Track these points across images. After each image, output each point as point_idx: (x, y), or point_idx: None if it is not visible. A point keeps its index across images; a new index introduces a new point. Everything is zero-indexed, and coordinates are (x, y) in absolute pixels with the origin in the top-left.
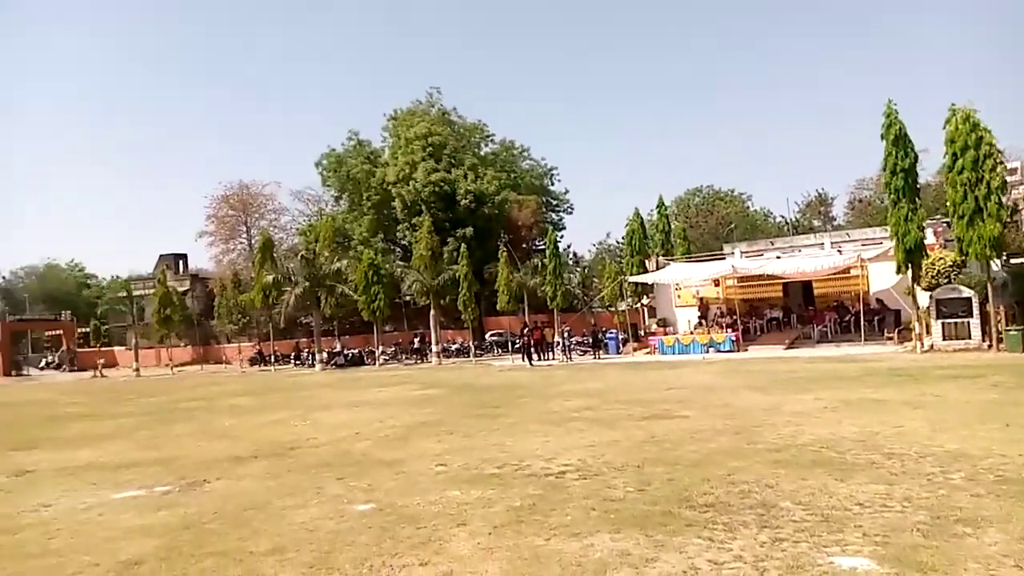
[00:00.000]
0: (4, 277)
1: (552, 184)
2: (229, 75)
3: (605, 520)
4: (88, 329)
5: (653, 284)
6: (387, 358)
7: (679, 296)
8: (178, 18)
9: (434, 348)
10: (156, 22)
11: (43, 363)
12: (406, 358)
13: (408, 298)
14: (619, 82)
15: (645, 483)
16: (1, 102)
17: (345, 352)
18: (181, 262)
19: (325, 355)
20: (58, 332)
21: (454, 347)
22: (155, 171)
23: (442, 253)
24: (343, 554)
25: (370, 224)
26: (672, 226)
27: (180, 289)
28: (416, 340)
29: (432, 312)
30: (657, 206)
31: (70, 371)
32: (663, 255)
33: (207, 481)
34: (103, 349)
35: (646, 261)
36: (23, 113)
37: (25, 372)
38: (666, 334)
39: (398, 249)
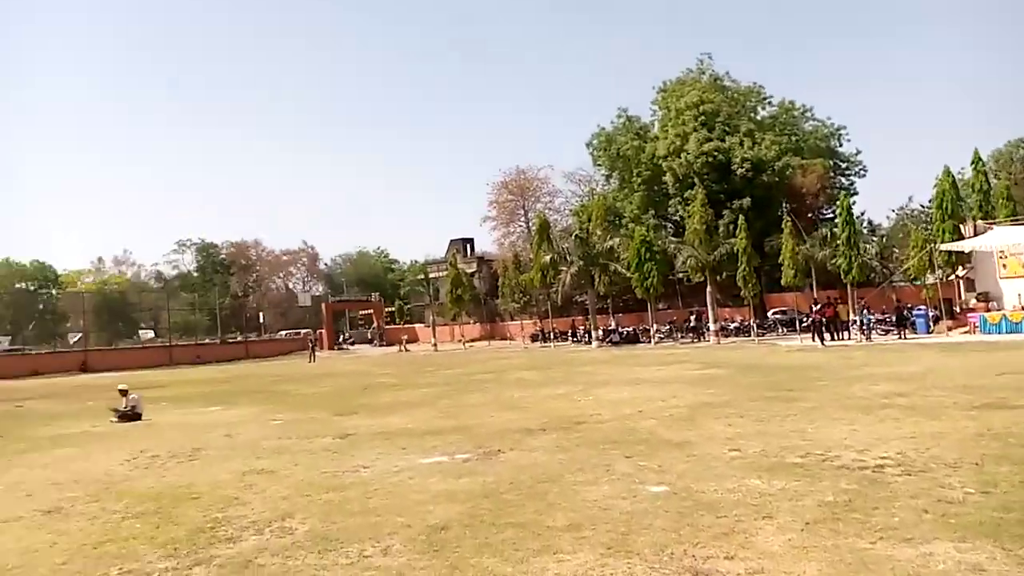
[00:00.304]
0: (326, 264)
1: (840, 145)
2: (506, 63)
3: (943, 525)
4: (393, 308)
5: (971, 252)
6: (662, 336)
7: (1005, 266)
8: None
9: (711, 326)
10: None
11: (341, 338)
12: (681, 336)
13: (682, 275)
14: (917, 22)
15: (989, 484)
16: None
17: (620, 330)
18: (468, 246)
19: (601, 332)
20: (369, 311)
21: (732, 325)
22: (446, 161)
23: (717, 226)
24: (640, 537)
25: (641, 200)
26: (992, 184)
27: (468, 271)
28: (691, 318)
29: (708, 289)
30: (972, 162)
31: (379, 346)
32: (982, 219)
33: (501, 451)
34: (406, 326)
35: (961, 226)
36: (330, 116)
37: (344, 346)
38: (989, 310)
39: (670, 225)
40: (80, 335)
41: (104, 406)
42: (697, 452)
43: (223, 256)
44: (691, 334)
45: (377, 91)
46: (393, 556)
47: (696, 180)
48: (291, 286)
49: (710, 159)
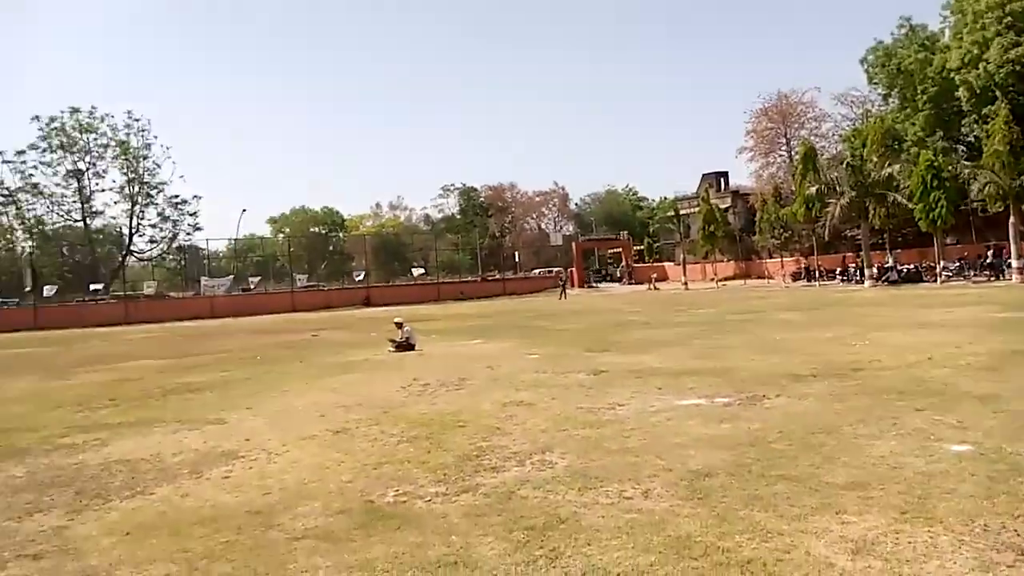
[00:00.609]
0: (576, 204)
1: None
2: None
3: None
4: (642, 247)
5: None
6: (950, 274)
7: None
8: None
9: (1014, 263)
10: None
11: (589, 277)
12: (975, 275)
13: (976, 204)
14: None
15: None
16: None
17: (898, 267)
18: (722, 180)
19: (875, 270)
20: (617, 249)
21: None
22: (698, 90)
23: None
24: (942, 503)
25: (926, 121)
26: None
27: (722, 206)
28: (988, 253)
29: (1011, 220)
30: None
31: (628, 284)
32: None
33: (766, 397)
34: (655, 264)
35: None
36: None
37: (593, 284)
38: None
39: (962, 147)
40: (363, 273)
41: (383, 337)
42: (1008, 408)
43: (482, 199)
44: (987, 272)
45: (625, 20)
46: (654, 500)
47: (998, 93)
48: (543, 226)
49: (1017, 67)
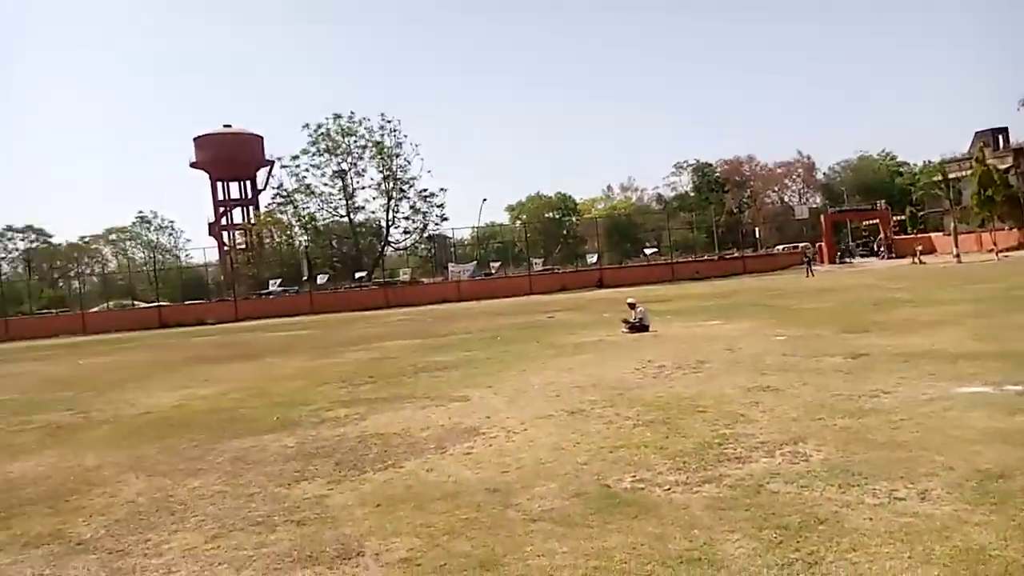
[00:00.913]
0: (824, 173)
1: None
2: None
3: None
4: (903, 216)
5: None
6: None
7: None
8: None
9: None
10: None
11: (853, 250)
12: None
13: None
14: None
15: None
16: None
17: None
18: (1000, 137)
19: None
20: (874, 221)
21: None
22: (963, 41)
23: None
24: None
25: None
26: None
27: (1001, 167)
28: None
29: None
30: None
31: (887, 258)
32: None
33: None
34: (919, 235)
35: None
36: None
37: (846, 260)
38: None
39: None
40: (596, 255)
41: (616, 318)
42: None
43: (717, 174)
44: None
45: None
46: (933, 502)
47: None
48: (786, 199)
49: None
